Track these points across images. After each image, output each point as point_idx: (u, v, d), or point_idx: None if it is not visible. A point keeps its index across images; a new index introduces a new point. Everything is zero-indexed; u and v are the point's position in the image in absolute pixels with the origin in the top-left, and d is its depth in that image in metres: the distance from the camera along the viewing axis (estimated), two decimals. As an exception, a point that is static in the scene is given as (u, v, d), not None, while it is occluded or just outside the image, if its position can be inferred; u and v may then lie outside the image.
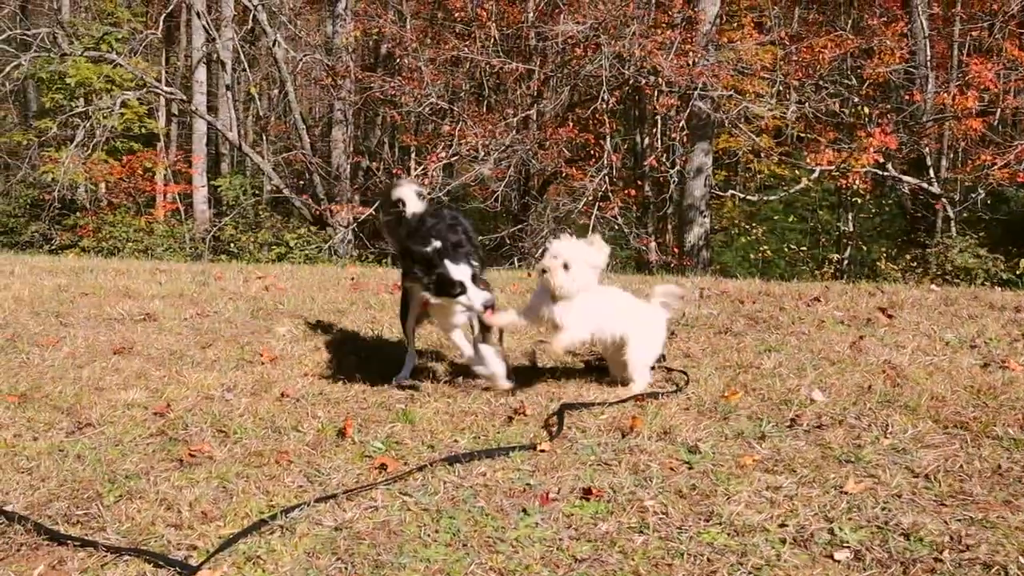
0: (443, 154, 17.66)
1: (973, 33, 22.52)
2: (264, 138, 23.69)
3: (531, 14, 19.29)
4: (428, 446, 4.36)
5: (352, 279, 9.01)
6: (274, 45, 20.08)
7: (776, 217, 24.08)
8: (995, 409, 4.55)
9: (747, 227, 23.98)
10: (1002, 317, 6.67)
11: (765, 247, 23.04)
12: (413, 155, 23.45)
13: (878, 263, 20.67)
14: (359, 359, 5.82)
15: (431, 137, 20.92)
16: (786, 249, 23.22)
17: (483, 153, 17.65)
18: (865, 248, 23.40)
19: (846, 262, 22.88)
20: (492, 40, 18.15)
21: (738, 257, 23.01)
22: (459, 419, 4.65)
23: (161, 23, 24.49)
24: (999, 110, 20.24)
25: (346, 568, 3.31)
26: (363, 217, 19.50)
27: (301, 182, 22.59)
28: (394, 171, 20.80)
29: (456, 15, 18.77)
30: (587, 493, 3.77)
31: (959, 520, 3.45)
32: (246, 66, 22.61)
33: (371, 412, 4.78)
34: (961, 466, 3.90)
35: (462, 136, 17.58)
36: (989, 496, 3.64)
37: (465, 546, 3.41)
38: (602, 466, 4.05)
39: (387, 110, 20.64)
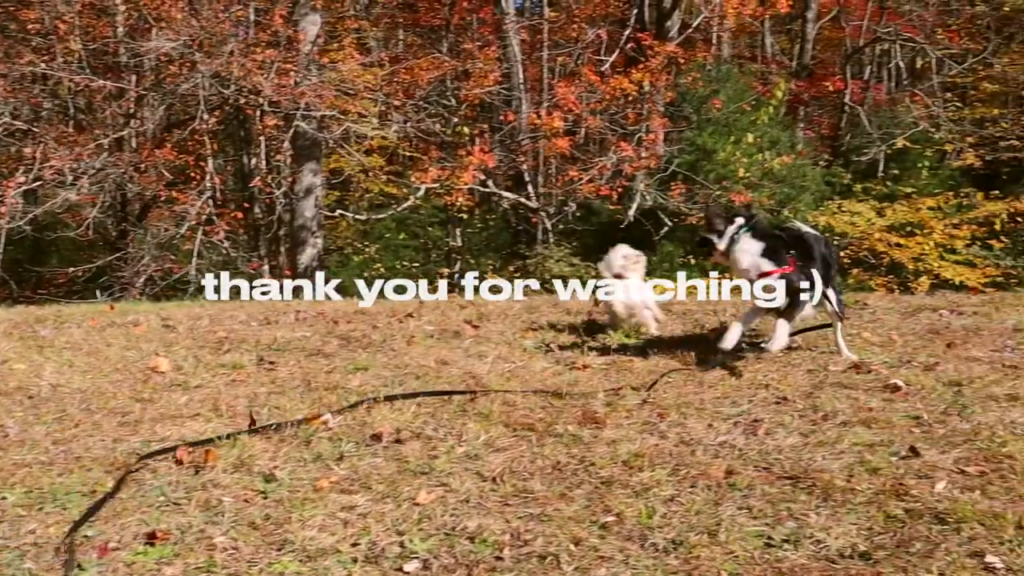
0: (23, 179, 16.09)
1: (560, 59, 24.47)
2: None
3: (120, 28, 18.21)
4: (-29, 508, 3.87)
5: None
6: None
7: (388, 235, 24.56)
8: (559, 409, 4.86)
9: (362, 246, 24.27)
10: (576, 321, 7.19)
11: (379, 264, 23.41)
12: (-10, 180, 21.20)
13: (486, 275, 21.73)
14: None
15: (10, 160, 19.04)
16: (398, 266, 23.72)
17: (71, 177, 16.33)
18: (474, 261, 24.43)
19: (456, 275, 23.79)
20: (76, 55, 16.87)
21: (354, 276, 23.13)
22: (8, 472, 4.18)
23: None
24: (583, 130, 22.12)
25: None
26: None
27: None
28: None
29: (30, 27, 17.20)
30: (152, 537, 3.53)
31: (520, 517, 3.62)
32: None
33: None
34: (525, 466, 4.11)
35: (45, 159, 16.13)
36: (548, 491, 3.86)
37: (6, 615, 3.07)
38: (171, 506, 3.82)
39: (-48, 131, 18.48)
